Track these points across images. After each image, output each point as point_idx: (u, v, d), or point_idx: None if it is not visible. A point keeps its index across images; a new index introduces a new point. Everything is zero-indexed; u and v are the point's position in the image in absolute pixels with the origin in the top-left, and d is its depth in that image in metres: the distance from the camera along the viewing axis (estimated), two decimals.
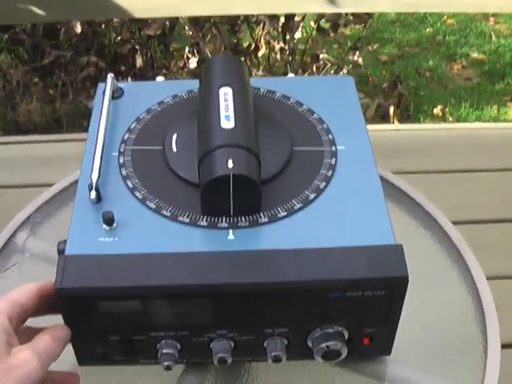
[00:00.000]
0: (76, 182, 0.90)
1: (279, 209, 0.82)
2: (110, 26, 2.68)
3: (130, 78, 2.62)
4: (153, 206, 0.82)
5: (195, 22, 2.52)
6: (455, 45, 3.58)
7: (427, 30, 3.71)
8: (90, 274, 0.74)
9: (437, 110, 3.09)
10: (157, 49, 2.79)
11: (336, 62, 2.71)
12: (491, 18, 3.80)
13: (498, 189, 2.08)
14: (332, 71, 2.65)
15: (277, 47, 2.58)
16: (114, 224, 0.79)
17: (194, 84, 1.00)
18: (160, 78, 1.05)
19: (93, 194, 0.82)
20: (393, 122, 2.64)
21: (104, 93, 0.97)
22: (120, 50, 2.63)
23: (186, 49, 2.63)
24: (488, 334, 0.94)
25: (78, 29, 2.41)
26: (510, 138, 2.29)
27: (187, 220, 0.81)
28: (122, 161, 0.88)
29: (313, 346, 0.81)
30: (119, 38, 2.63)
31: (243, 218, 0.81)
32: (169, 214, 0.81)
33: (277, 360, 0.81)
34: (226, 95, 0.89)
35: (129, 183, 0.85)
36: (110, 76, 0.99)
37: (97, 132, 0.90)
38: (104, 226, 0.79)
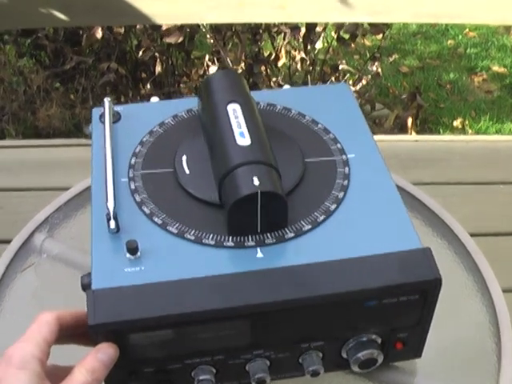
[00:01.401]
0: None
1: (303, 222, 0.82)
2: (131, 32, 2.69)
3: (149, 85, 2.64)
4: (174, 230, 0.81)
5: (217, 30, 2.52)
6: (476, 57, 3.57)
7: (448, 42, 3.70)
8: (123, 307, 0.72)
9: (457, 123, 3.09)
10: (178, 56, 2.79)
11: (355, 73, 2.70)
12: None
13: None
14: (351, 81, 2.65)
15: (297, 57, 2.59)
16: (138, 253, 0.78)
17: (191, 102, 0.99)
18: (155, 99, 1.02)
19: (112, 224, 0.80)
20: (410, 133, 2.63)
21: (101, 118, 0.95)
22: (141, 57, 2.64)
23: (207, 57, 2.64)
24: (502, 347, 0.94)
25: (100, 34, 2.42)
26: None
27: (212, 242, 0.79)
28: (133, 187, 0.86)
29: (348, 357, 0.82)
30: (140, 44, 2.64)
31: (269, 234, 0.80)
32: (193, 238, 0.80)
33: (315, 374, 0.81)
34: (235, 112, 0.88)
35: (145, 209, 0.83)
36: (106, 100, 0.96)
37: (104, 159, 0.88)
38: (128, 255, 0.77)
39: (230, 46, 2.67)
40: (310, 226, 0.82)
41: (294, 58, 2.62)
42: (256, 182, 0.77)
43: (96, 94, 2.70)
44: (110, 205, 0.81)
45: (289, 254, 0.79)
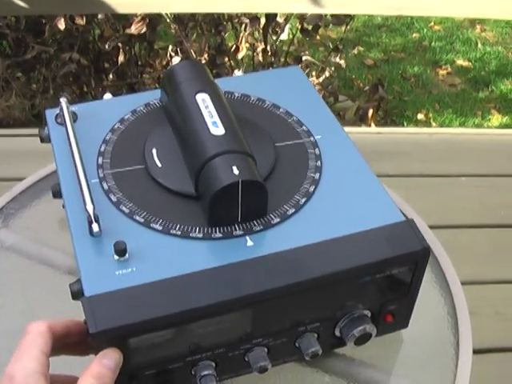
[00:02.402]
0: (49, 175, 0.89)
1: (286, 206, 0.82)
2: (93, 22, 2.66)
3: (112, 75, 2.61)
4: (159, 227, 0.79)
5: (179, 20, 2.50)
6: (441, 51, 3.59)
7: (413, 35, 3.71)
8: (122, 311, 0.70)
9: (421, 116, 3.10)
10: (141, 47, 2.77)
11: (319, 64, 2.70)
12: (478, 26, 3.80)
13: (478, 194, 2.08)
14: (315, 73, 2.64)
15: (259, 48, 2.58)
16: (127, 254, 0.76)
17: (147, 96, 0.98)
18: (108, 96, 1.00)
19: (95, 227, 0.77)
20: (370, 125, 2.63)
21: (57, 119, 0.93)
22: (104, 47, 2.62)
23: (170, 47, 2.62)
24: (460, 338, 0.94)
25: (62, 25, 2.39)
26: (492, 144, 2.29)
27: (200, 235, 0.79)
28: (106, 187, 0.84)
29: (342, 335, 0.83)
30: (103, 35, 2.61)
31: (256, 221, 0.80)
32: (179, 233, 0.79)
33: (314, 356, 0.82)
34: (204, 101, 0.87)
35: (124, 209, 0.81)
36: (63, 100, 0.93)
37: (71, 161, 0.85)
38: (116, 257, 0.75)
39: (193, 36, 2.65)
40: (293, 210, 0.82)
41: (255, 50, 2.61)
42: (236, 171, 0.77)
43: (57, 85, 2.67)
44: (90, 207, 0.78)
45: (278, 239, 0.79)
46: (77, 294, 0.74)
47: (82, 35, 2.62)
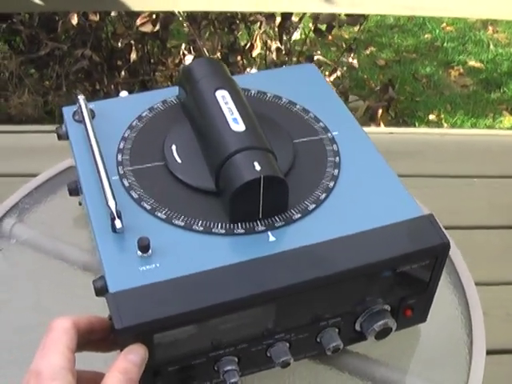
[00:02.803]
0: (64, 171, 0.89)
1: (307, 202, 0.83)
2: (106, 19, 2.67)
3: (124, 73, 2.61)
4: (181, 223, 0.80)
5: (192, 18, 2.51)
6: (453, 52, 3.58)
7: (426, 36, 3.70)
8: (148, 306, 0.70)
9: (432, 116, 3.09)
10: (154, 44, 2.77)
11: (331, 64, 2.70)
12: (490, 27, 3.79)
13: (489, 195, 2.08)
14: (327, 73, 2.64)
15: (273, 47, 2.57)
16: (150, 250, 0.76)
17: (164, 93, 0.98)
18: (124, 93, 1.00)
19: (118, 223, 0.77)
20: (379, 124, 2.63)
21: (75, 116, 0.93)
22: (116, 45, 2.62)
23: (183, 46, 2.62)
24: (473, 338, 0.93)
25: (75, 21, 2.40)
26: (503, 145, 2.28)
27: (223, 231, 0.79)
28: (127, 184, 0.84)
29: (363, 329, 0.83)
30: (115, 32, 2.61)
31: (277, 217, 0.81)
32: (201, 229, 0.79)
33: (336, 350, 0.82)
34: (224, 98, 0.88)
35: (145, 205, 0.82)
36: (81, 98, 0.93)
37: (91, 158, 0.85)
38: (139, 253, 0.75)
39: (206, 35, 2.65)
40: (314, 205, 0.83)
41: (269, 48, 2.61)
42: (257, 167, 0.77)
43: (70, 82, 2.68)
44: (112, 204, 0.78)
45: (300, 234, 0.80)
46: (100, 290, 0.74)
47: (95, 32, 2.62)
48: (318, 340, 0.82)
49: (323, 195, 0.84)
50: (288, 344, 0.80)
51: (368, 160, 0.90)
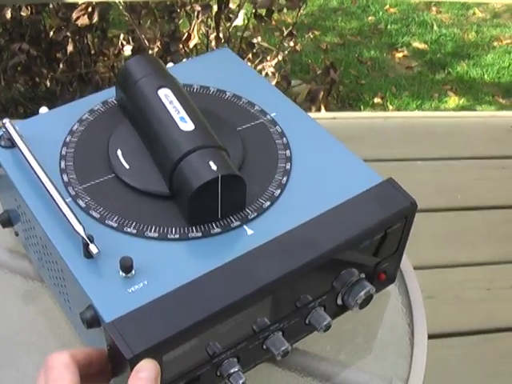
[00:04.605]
0: None
1: (271, 188, 0.82)
2: (44, 12, 2.62)
3: (63, 65, 2.57)
4: (155, 234, 0.76)
5: (132, 8, 2.47)
6: (397, 34, 3.59)
7: (369, 18, 3.70)
8: (152, 328, 0.66)
9: (377, 99, 3.09)
10: (94, 35, 2.73)
11: (273, 49, 2.68)
12: (433, 8, 3.81)
13: (434, 178, 2.08)
14: (269, 57, 2.62)
15: (212, 36, 2.55)
16: (133, 269, 0.72)
17: (89, 102, 0.94)
18: (44, 109, 0.93)
19: (94, 248, 0.72)
20: (319, 108, 2.62)
21: (0, 141, 0.87)
22: (55, 37, 2.57)
23: (121, 36, 2.58)
24: (414, 328, 0.93)
25: (9, 15, 2.35)
26: (447, 126, 2.29)
27: (199, 234, 0.77)
28: (83, 204, 0.80)
29: (346, 302, 0.83)
30: (51, 25, 2.57)
31: (249, 208, 0.80)
32: (177, 236, 0.76)
33: (327, 328, 0.82)
34: (167, 97, 0.85)
35: (111, 223, 0.77)
36: (7, 121, 0.87)
37: (41, 183, 0.79)
38: (122, 274, 0.72)
39: (147, 24, 2.62)
40: (279, 190, 0.82)
41: (208, 37, 2.58)
42: (213, 166, 0.75)
43: (9, 76, 2.63)
44: (80, 229, 0.73)
45: (275, 222, 0.79)
46: (92, 322, 0.70)
47: (33, 25, 2.57)
48: (307, 321, 0.82)
49: (284, 178, 0.84)
50: (281, 332, 0.79)
51: (313, 136, 0.90)
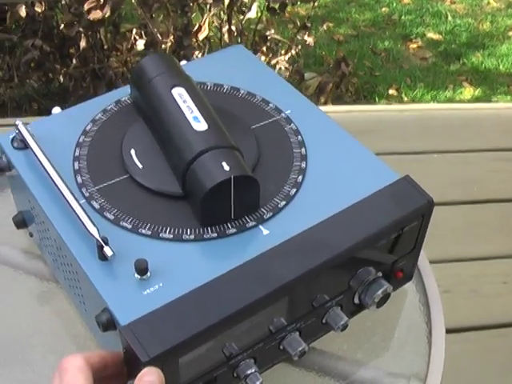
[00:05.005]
0: None
1: (287, 187, 0.82)
2: (57, 8, 2.61)
3: (75, 61, 2.56)
4: (169, 235, 0.76)
5: (143, 2, 2.46)
6: (411, 24, 3.56)
7: (383, 9, 3.68)
8: (169, 331, 0.66)
9: (392, 91, 3.07)
10: (106, 30, 2.72)
11: (286, 42, 2.66)
12: None
13: (450, 171, 2.07)
14: (283, 51, 2.60)
15: (224, 29, 2.53)
16: (148, 272, 0.72)
17: (103, 102, 0.93)
18: (56, 109, 0.93)
19: (109, 251, 0.72)
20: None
21: (13, 143, 0.87)
22: (68, 33, 2.56)
23: (134, 30, 2.57)
24: (432, 327, 0.92)
25: (23, 12, 2.34)
26: (463, 118, 2.27)
27: (215, 235, 0.76)
28: (97, 206, 0.79)
29: (363, 301, 0.83)
30: (63, 21, 2.56)
31: (264, 208, 0.79)
32: (192, 237, 0.76)
33: (344, 328, 0.81)
34: (181, 96, 0.84)
35: (125, 224, 0.77)
36: (19, 123, 0.86)
37: (54, 185, 0.79)
38: (137, 277, 0.71)
39: (160, 18, 2.61)
40: (294, 190, 0.82)
41: (221, 30, 2.57)
42: (226, 167, 0.74)
43: (22, 73, 2.62)
44: (95, 232, 0.73)
45: (291, 221, 0.78)
46: (107, 325, 0.69)
47: (45, 21, 2.56)
48: (324, 321, 0.81)
49: (299, 177, 0.83)
50: (298, 332, 0.79)
51: (329, 133, 0.89)
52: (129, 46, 2.60)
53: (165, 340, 0.65)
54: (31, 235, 0.94)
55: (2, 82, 2.65)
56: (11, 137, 0.88)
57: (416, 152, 2.09)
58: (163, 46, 2.43)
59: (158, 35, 2.44)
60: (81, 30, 2.42)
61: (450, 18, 3.62)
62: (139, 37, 2.53)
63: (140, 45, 2.49)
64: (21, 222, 0.92)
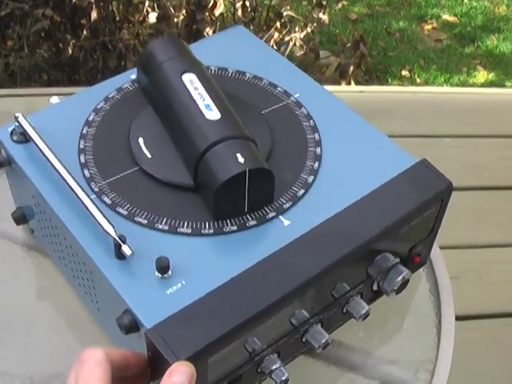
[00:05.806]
0: None
1: (304, 175, 0.79)
2: None
3: (86, 32, 2.54)
4: (188, 230, 0.73)
5: None
6: (426, 5, 3.52)
7: None
8: (197, 331, 0.64)
9: (405, 72, 3.04)
10: (119, 1, 2.69)
11: (301, 20, 2.63)
12: None
13: (462, 156, 2.05)
14: (297, 28, 2.57)
15: (238, 4, 2.50)
16: (170, 270, 0.69)
17: (104, 89, 0.90)
18: (54, 99, 0.89)
19: (127, 250, 0.69)
20: (349, 82, 2.58)
21: (13, 136, 0.83)
22: (79, 3, 2.53)
23: (147, 2, 2.54)
24: (442, 319, 0.91)
25: None
26: (476, 103, 2.25)
27: (235, 227, 0.73)
28: (108, 201, 0.76)
29: (382, 287, 0.81)
30: None
31: (283, 197, 0.77)
32: (212, 231, 0.73)
33: (366, 316, 0.80)
34: (192, 82, 0.81)
35: (140, 220, 0.74)
36: (19, 115, 0.82)
37: (62, 179, 0.76)
38: (158, 275, 0.68)
39: None
40: (312, 177, 0.79)
41: (235, 5, 2.54)
42: (241, 159, 0.72)
43: (32, 43, 2.60)
44: (111, 230, 0.70)
45: (311, 211, 0.76)
46: (130, 327, 0.67)
47: None
48: (345, 310, 0.80)
49: (316, 164, 0.81)
50: (320, 324, 0.77)
51: (341, 116, 0.87)
52: (141, 19, 2.56)
53: (194, 341, 0.63)
54: (32, 231, 0.92)
55: (11, 52, 2.63)
56: (10, 129, 0.84)
57: (427, 135, 2.07)
58: (176, 19, 2.40)
59: (171, 8, 2.41)
60: (92, 0, 2.38)
61: (465, 0, 3.58)
62: (152, 9, 2.50)
63: (152, 18, 2.46)
64: (20, 217, 0.90)
